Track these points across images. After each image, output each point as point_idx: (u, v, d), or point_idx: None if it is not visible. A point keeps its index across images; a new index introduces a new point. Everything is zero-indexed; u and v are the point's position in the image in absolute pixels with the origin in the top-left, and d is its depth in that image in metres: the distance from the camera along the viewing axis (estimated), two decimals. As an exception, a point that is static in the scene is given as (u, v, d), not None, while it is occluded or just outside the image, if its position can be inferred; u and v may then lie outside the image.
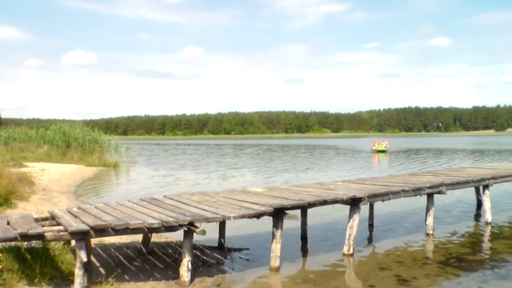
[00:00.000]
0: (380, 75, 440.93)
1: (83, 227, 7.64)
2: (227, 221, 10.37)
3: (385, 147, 63.72)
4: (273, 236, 9.59)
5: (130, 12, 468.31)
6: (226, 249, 11.26)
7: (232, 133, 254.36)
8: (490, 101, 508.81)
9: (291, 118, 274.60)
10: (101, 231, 7.79)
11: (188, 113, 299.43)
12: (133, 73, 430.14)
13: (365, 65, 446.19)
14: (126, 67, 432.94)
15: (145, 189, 22.79)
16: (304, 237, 12.48)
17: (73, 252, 8.66)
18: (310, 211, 12.34)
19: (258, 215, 9.17)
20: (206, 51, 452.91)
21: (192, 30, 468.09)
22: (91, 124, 48.97)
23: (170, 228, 8.27)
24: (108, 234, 7.91)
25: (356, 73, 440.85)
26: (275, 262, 9.63)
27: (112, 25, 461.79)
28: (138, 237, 10.85)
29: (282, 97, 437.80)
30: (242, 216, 8.92)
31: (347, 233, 10.81)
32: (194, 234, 8.41)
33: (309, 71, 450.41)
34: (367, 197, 10.82)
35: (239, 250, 11.27)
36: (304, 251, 11.67)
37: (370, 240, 12.69)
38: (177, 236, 10.65)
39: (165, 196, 11.24)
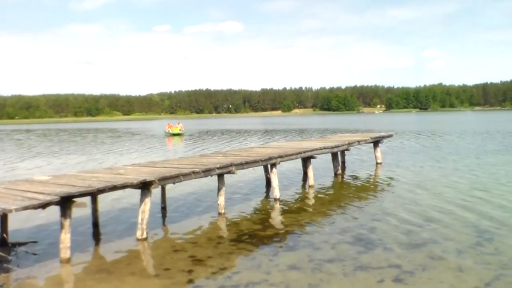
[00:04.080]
0: (171, 57, 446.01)
1: None
2: (9, 214, 9.64)
3: (180, 130, 62.65)
4: (62, 226, 9.15)
5: None
6: (10, 244, 10.47)
7: (17, 117, 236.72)
8: (277, 84, 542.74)
9: (80, 101, 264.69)
10: None
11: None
12: None
13: (156, 47, 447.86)
14: None
15: None
16: (95, 225, 12.16)
17: None
18: (101, 197, 12.06)
19: (43, 205, 8.63)
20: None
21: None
22: None
23: None
24: None
25: (147, 55, 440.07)
26: (65, 254, 9.22)
27: None
28: None
29: (70, 79, 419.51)
30: (26, 208, 8.30)
31: (140, 217, 10.72)
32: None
33: (99, 52, 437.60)
34: (157, 180, 10.80)
35: (25, 244, 10.56)
36: (97, 239, 11.34)
37: (163, 223, 12.76)
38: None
39: None
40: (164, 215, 13.47)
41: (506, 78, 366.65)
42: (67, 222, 9.14)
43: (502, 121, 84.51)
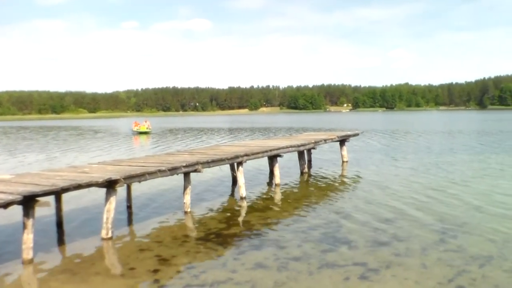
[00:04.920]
0: (138, 54, 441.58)
1: None
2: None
3: (147, 128, 60.88)
4: (24, 226, 8.98)
5: None
6: (-30, 245, 10.24)
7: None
8: (244, 82, 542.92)
9: (45, 98, 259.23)
10: None
11: None
12: None
13: (123, 44, 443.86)
14: None
15: None
16: (59, 224, 11.97)
17: None
18: (65, 196, 11.88)
19: (5, 205, 8.44)
20: None
21: None
22: None
23: None
24: None
25: (114, 52, 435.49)
26: (28, 254, 9.05)
27: None
28: None
29: (35, 76, 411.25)
30: (-14, 208, 8.14)
31: (105, 216, 10.59)
32: None
33: (64, 48, 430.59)
34: (123, 178, 10.67)
35: (-14, 244, 10.35)
36: (61, 239, 11.16)
37: (129, 222, 12.64)
38: None
39: None
40: (129, 214, 13.35)
41: (470, 78, 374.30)
42: (30, 222, 8.97)
43: (465, 121, 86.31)
